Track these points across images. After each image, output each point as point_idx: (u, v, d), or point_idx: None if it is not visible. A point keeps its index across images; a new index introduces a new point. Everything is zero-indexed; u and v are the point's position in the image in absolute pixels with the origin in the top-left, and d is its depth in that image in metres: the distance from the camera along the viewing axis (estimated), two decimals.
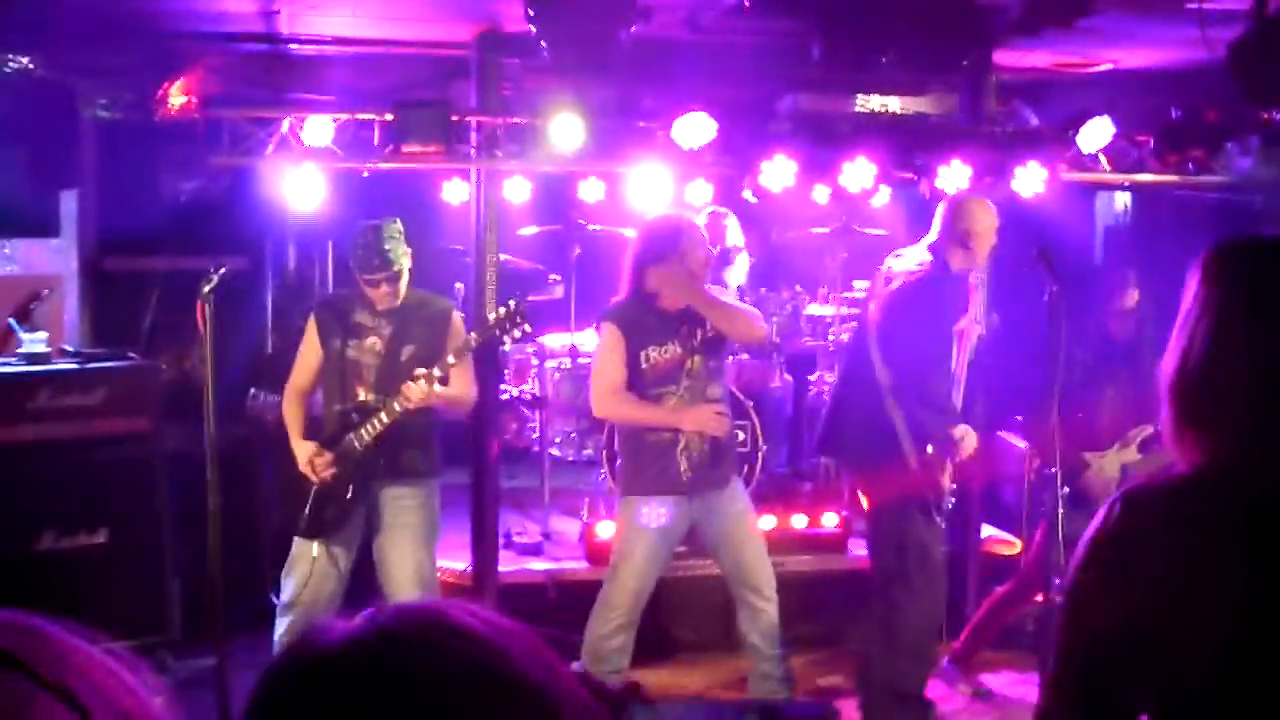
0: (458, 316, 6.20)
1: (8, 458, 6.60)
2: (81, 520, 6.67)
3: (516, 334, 5.90)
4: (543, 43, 5.63)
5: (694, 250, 5.98)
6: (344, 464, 5.90)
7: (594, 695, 1.24)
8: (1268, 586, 2.02)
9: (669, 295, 5.98)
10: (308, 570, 5.92)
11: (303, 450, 5.96)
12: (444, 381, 5.79)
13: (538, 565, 7.59)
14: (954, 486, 6.39)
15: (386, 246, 5.91)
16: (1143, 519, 2.13)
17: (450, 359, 5.77)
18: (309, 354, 6.10)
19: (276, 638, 6.00)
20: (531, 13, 5.44)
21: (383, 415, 5.81)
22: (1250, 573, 2.03)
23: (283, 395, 6.19)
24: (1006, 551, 8.02)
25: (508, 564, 7.53)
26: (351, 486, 5.92)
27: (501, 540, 7.68)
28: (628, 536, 6.08)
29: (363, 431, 5.85)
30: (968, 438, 6.24)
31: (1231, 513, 2.08)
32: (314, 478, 5.91)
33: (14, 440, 6.62)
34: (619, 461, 6.31)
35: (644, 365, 5.96)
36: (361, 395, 5.95)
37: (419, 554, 6.07)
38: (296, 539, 6.01)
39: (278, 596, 6.08)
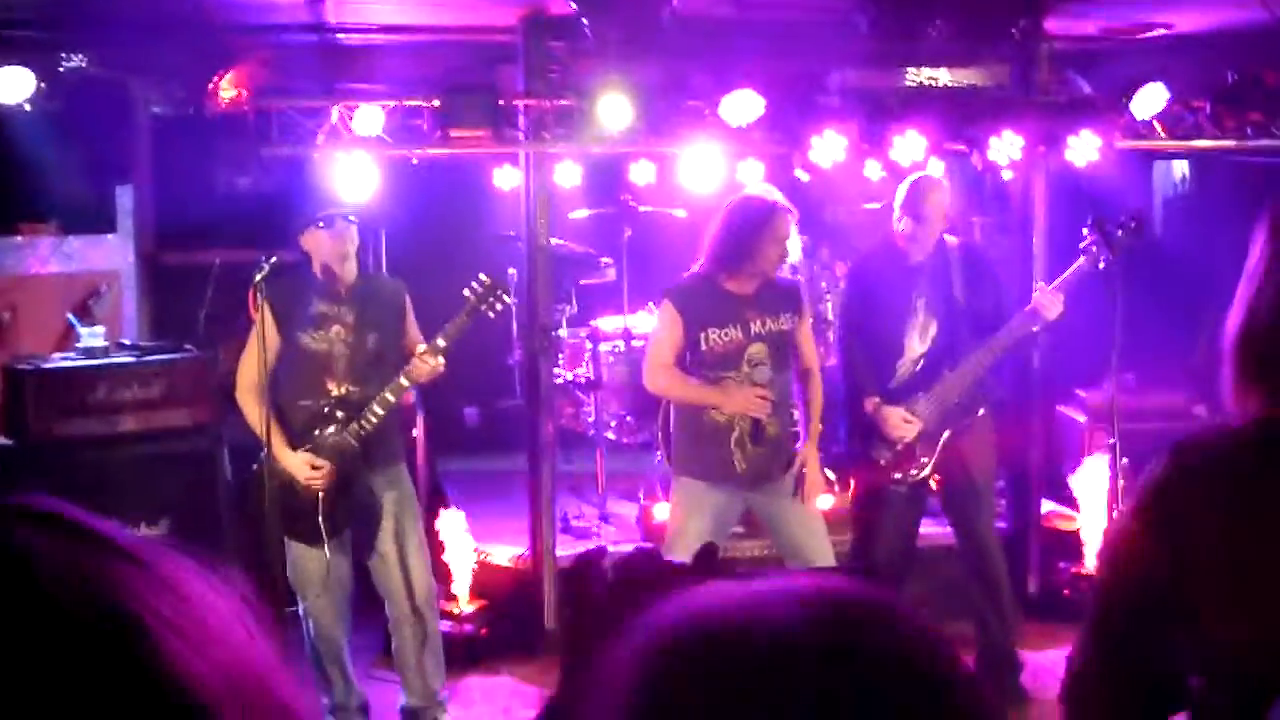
0: (407, 294, 6.15)
1: (67, 451, 6.67)
2: (142, 512, 6.72)
3: (499, 306, 5.86)
4: (585, 23, 5.62)
5: (776, 243, 5.93)
6: (340, 462, 5.84)
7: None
8: None
9: (738, 284, 5.94)
10: (323, 572, 5.92)
11: (296, 460, 5.81)
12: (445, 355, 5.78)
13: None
14: (924, 461, 6.33)
15: (339, 200, 6.01)
16: (1191, 469, 2.09)
17: (441, 341, 5.74)
18: (264, 345, 5.76)
19: (316, 645, 6.06)
20: None
21: (377, 407, 5.76)
22: None
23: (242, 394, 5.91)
24: (1067, 527, 7.94)
25: (565, 548, 7.53)
26: (351, 483, 5.89)
27: (559, 524, 7.69)
28: (682, 516, 6.07)
29: (358, 425, 5.79)
30: (881, 413, 6.25)
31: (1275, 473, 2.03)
32: (315, 485, 5.83)
33: (75, 434, 6.68)
34: (674, 441, 6.29)
35: (703, 347, 5.92)
36: (333, 389, 5.86)
37: (418, 534, 6.14)
38: (298, 545, 5.93)
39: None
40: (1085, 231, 6.30)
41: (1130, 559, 2.15)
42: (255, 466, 5.92)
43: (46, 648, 0.80)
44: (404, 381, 5.78)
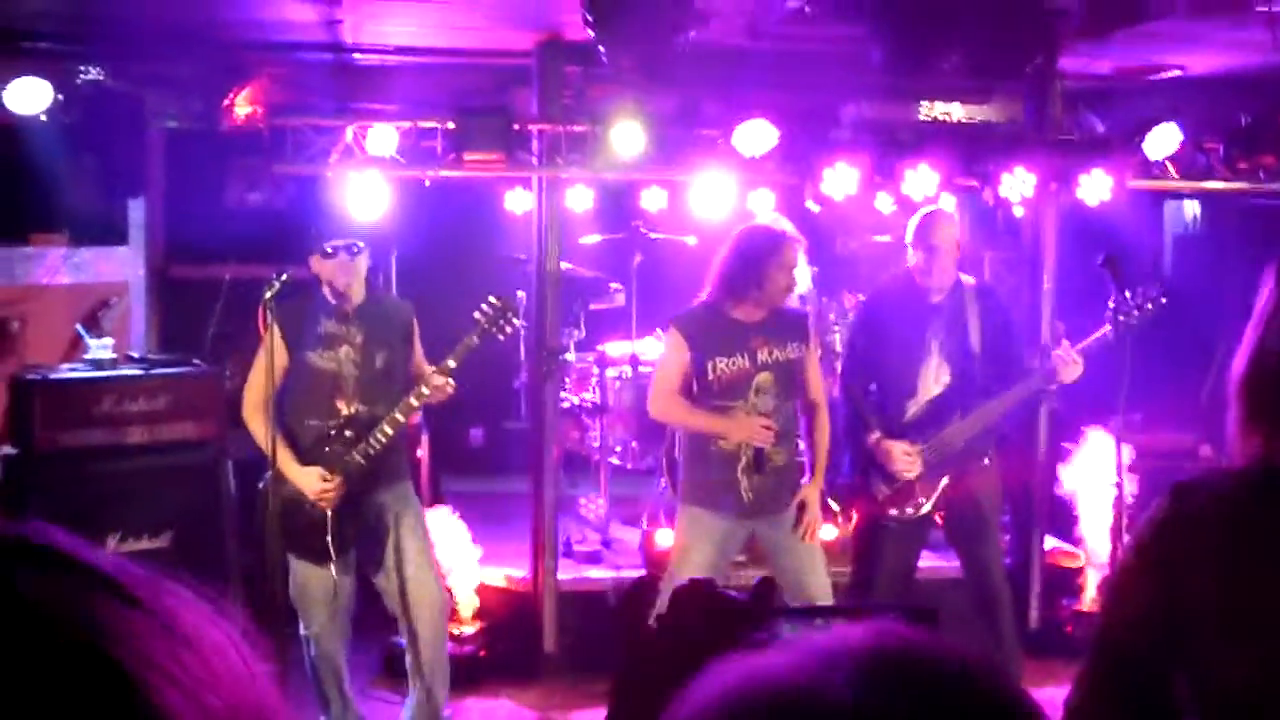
0: (414, 315, 6.17)
1: (73, 462, 6.67)
2: (146, 524, 6.72)
3: (508, 329, 5.88)
4: (601, 49, 5.64)
5: (784, 272, 5.94)
6: (348, 481, 5.85)
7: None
8: None
9: (745, 313, 5.95)
10: (329, 592, 5.93)
11: (309, 476, 5.82)
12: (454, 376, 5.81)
13: (597, 573, 7.59)
14: (922, 501, 6.32)
15: (342, 220, 6.03)
16: (1190, 511, 2.09)
17: (451, 362, 5.76)
18: (271, 365, 5.78)
19: (316, 664, 6.06)
20: (590, 19, 5.44)
21: (386, 427, 5.78)
22: None
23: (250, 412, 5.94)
24: (1070, 564, 7.93)
25: (567, 572, 7.53)
26: (359, 501, 5.90)
27: (561, 548, 7.69)
28: (686, 544, 6.06)
29: (367, 445, 5.80)
30: (883, 448, 6.25)
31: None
32: (323, 503, 5.84)
33: (79, 445, 6.68)
34: (680, 469, 6.28)
35: (710, 376, 5.91)
36: (342, 408, 5.87)
37: (429, 552, 6.16)
38: (303, 564, 5.94)
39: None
40: (1103, 269, 6.28)
41: (1129, 599, 2.15)
42: (261, 485, 5.92)
43: (35, 705, 0.79)
44: (414, 402, 5.79)
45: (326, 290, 5.91)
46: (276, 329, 5.80)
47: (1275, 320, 2.13)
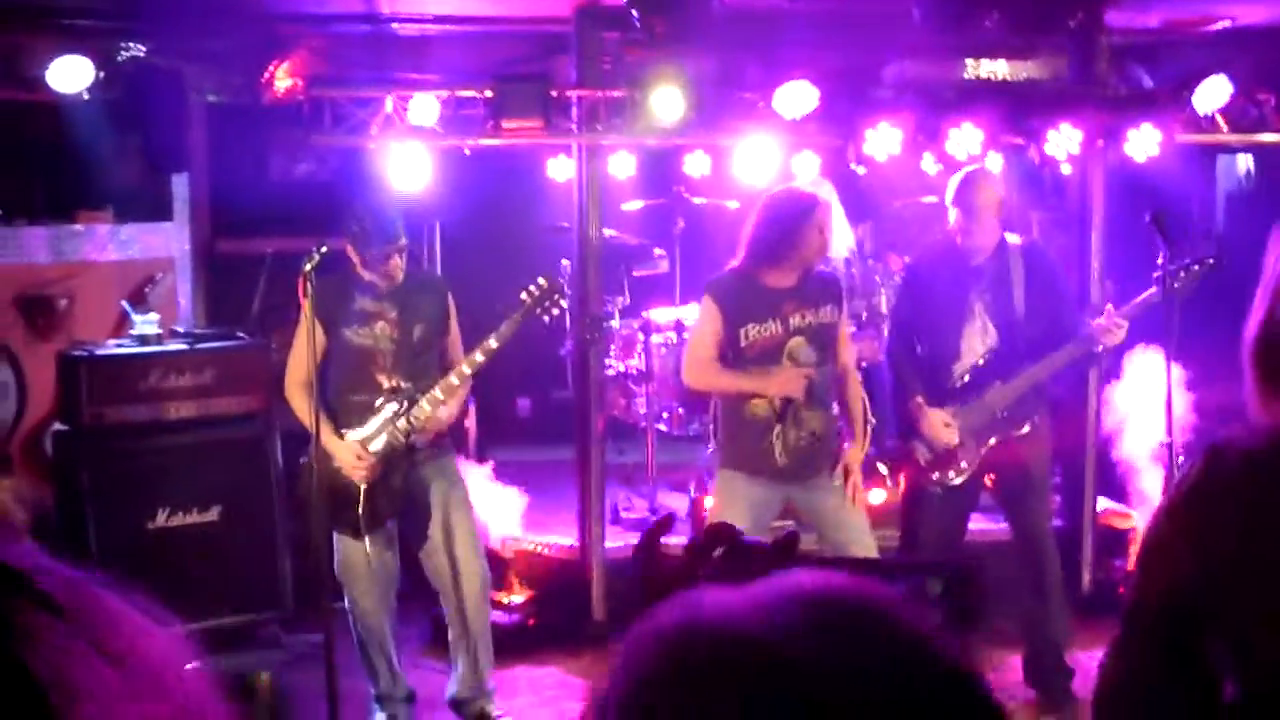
0: (450, 292, 6.15)
1: (121, 437, 6.74)
2: (194, 498, 6.78)
3: (555, 311, 5.88)
4: (634, 14, 5.60)
5: (817, 235, 5.91)
6: (389, 456, 5.86)
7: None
8: None
9: (778, 278, 5.91)
10: (368, 566, 5.95)
11: (345, 450, 5.84)
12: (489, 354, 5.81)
13: None
14: (964, 467, 6.25)
15: (393, 215, 5.91)
16: (1225, 472, 2.04)
17: (492, 342, 5.76)
18: (312, 342, 5.80)
19: (362, 635, 6.09)
20: None
21: (425, 404, 5.79)
22: None
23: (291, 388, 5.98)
24: (1122, 524, 7.85)
25: (615, 539, 7.52)
26: (392, 475, 5.90)
27: (609, 515, 7.68)
28: (720, 506, 6.07)
29: (411, 418, 5.81)
30: (923, 414, 6.20)
31: None
32: (358, 476, 5.85)
33: (127, 420, 6.75)
34: (719, 433, 6.29)
35: (743, 343, 5.89)
36: (383, 381, 5.87)
37: (470, 524, 6.15)
38: (344, 538, 5.96)
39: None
40: (1151, 227, 6.18)
41: (1162, 565, 2.10)
42: (303, 460, 5.94)
43: None
44: (454, 381, 5.80)
45: (362, 269, 5.90)
46: (311, 306, 5.79)
47: None
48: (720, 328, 5.91)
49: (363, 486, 5.85)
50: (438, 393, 5.80)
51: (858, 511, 6.10)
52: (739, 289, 5.94)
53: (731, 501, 6.00)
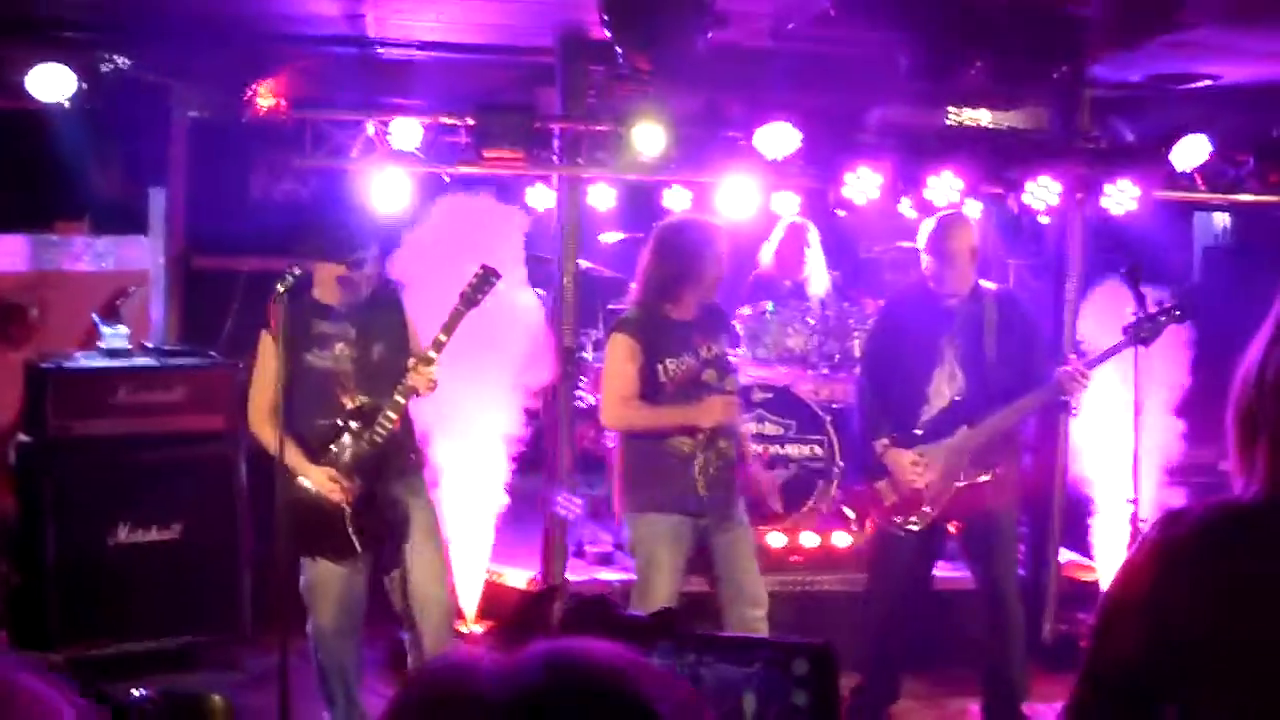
0: (402, 301, 6.08)
1: (86, 451, 6.70)
2: (156, 515, 6.74)
3: (490, 295, 5.79)
4: (619, 48, 5.60)
5: (716, 266, 5.91)
6: (362, 473, 5.80)
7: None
8: None
9: (680, 311, 5.92)
10: (341, 591, 5.87)
11: (319, 474, 5.76)
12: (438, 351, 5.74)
13: (608, 575, 7.54)
14: (927, 511, 6.25)
15: (360, 224, 5.90)
16: (1183, 538, 2.03)
17: (441, 336, 5.70)
18: (277, 370, 5.68)
19: (323, 662, 5.98)
20: (607, 19, 5.40)
21: (390, 412, 5.72)
22: (1265, 621, 1.92)
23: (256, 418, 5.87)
24: (1086, 577, 7.84)
25: (578, 573, 7.48)
26: (375, 496, 5.85)
27: (572, 549, 7.64)
28: (652, 549, 5.96)
29: (374, 435, 5.75)
30: (890, 455, 6.19)
31: (1260, 551, 1.97)
32: (338, 497, 5.77)
33: (92, 434, 6.72)
34: (628, 480, 6.12)
35: (662, 378, 5.87)
36: (347, 402, 5.81)
37: (441, 550, 6.10)
38: (320, 562, 5.84)
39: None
40: (1122, 281, 6.21)
41: (1117, 630, 2.09)
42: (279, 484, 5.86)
43: None
44: (410, 382, 5.74)
45: (322, 292, 5.85)
46: (274, 335, 5.73)
47: (1272, 344, 2.06)
48: (641, 363, 5.88)
49: (346, 508, 5.80)
50: (398, 397, 5.74)
51: (751, 551, 6.14)
52: (651, 324, 5.92)
53: (660, 544, 5.93)
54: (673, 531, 5.92)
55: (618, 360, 5.95)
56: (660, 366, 5.86)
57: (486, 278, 5.76)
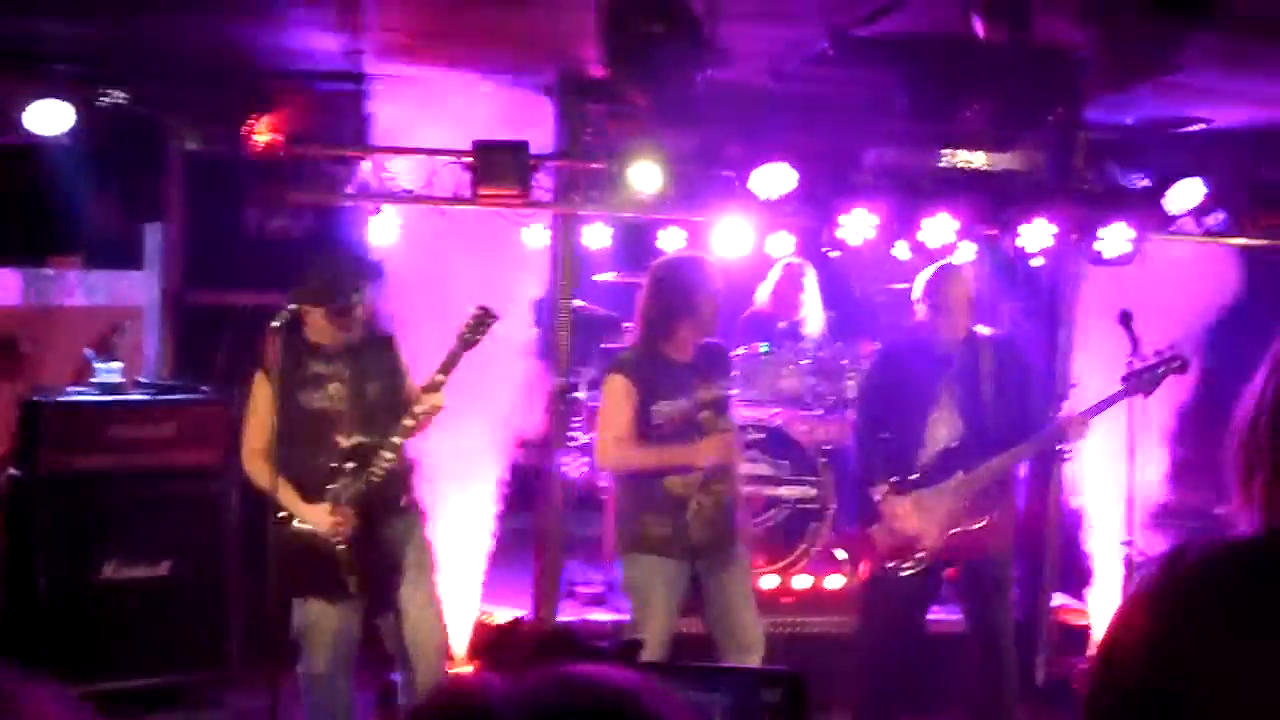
0: (397, 345, 6.09)
1: (77, 486, 6.67)
2: (145, 551, 6.70)
3: (487, 336, 5.78)
4: (617, 87, 5.61)
5: (711, 303, 5.90)
6: (360, 513, 5.76)
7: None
8: None
9: (678, 350, 5.90)
10: (335, 632, 5.82)
11: (317, 513, 5.72)
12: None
13: (599, 616, 7.49)
14: (921, 556, 6.23)
15: (354, 267, 5.89)
16: (1186, 575, 2.01)
17: (439, 376, 5.68)
18: (267, 412, 5.71)
19: (315, 703, 5.90)
20: (607, 55, 5.41)
21: (387, 452, 5.70)
22: (1269, 661, 1.90)
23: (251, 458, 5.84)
24: (1079, 621, 7.82)
25: (569, 614, 7.44)
26: (372, 536, 5.81)
27: (564, 588, 7.60)
28: (646, 591, 5.96)
29: (370, 475, 5.72)
30: (887, 501, 6.16)
31: (1263, 591, 1.95)
32: (338, 538, 5.73)
33: (84, 468, 6.69)
34: (623, 520, 6.13)
35: (657, 420, 5.86)
36: (342, 441, 5.78)
37: (434, 590, 6.08)
38: (314, 603, 5.80)
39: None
40: (1123, 329, 6.22)
41: (1118, 667, 2.07)
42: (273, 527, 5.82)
43: None
44: (409, 422, 5.71)
45: (314, 332, 5.83)
46: (264, 376, 5.73)
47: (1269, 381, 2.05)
48: (636, 404, 5.86)
49: (343, 548, 5.75)
50: (395, 438, 5.72)
51: (752, 593, 6.14)
52: (647, 365, 5.92)
53: (654, 584, 5.92)
54: (666, 573, 5.89)
55: (613, 401, 5.94)
56: (655, 409, 5.85)
57: (484, 319, 5.75)
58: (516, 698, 1.12)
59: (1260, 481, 2.02)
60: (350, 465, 5.77)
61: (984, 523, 6.23)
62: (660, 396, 5.85)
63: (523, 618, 7.10)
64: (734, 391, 6.35)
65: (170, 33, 6.83)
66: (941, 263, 6.52)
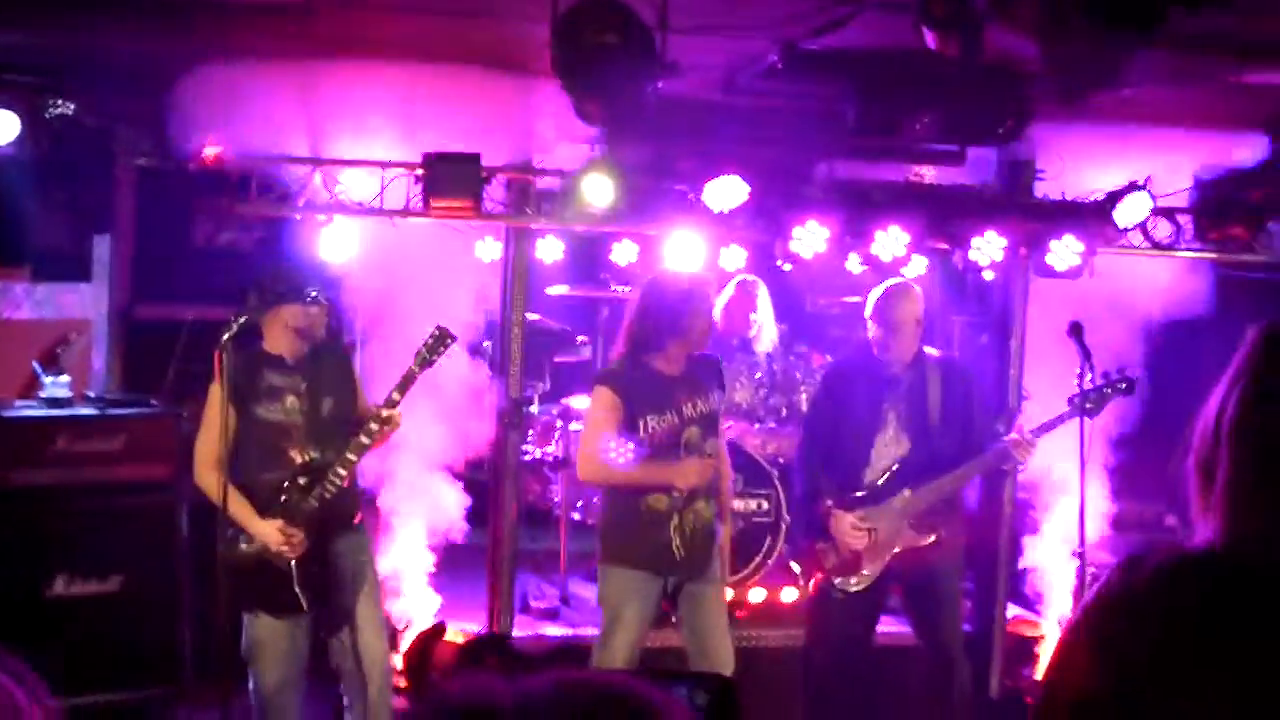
0: (352, 358, 6.09)
1: (26, 501, 6.58)
2: (95, 567, 6.62)
3: (445, 356, 5.79)
4: (569, 98, 5.61)
5: (702, 319, 5.90)
6: (310, 529, 5.72)
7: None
8: (1243, 686, 1.90)
9: (667, 364, 5.89)
10: (285, 648, 5.79)
11: (268, 529, 5.66)
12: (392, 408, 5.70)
13: (554, 630, 7.47)
14: (866, 574, 6.27)
15: (312, 270, 5.94)
16: (1140, 584, 2.02)
17: (396, 395, 5.66)
18: (221, 422, 5.61)
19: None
20: (559, 67, 5.40)
21: (340, 469, 5.67)
22: (1225, 668, 1.91)
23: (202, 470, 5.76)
24: (1031, 633, 7.86)
25: (524, 628, 7.40)
26: (323, 552, 5.77)
27: (518, 603, 7.57)
28: (618, 605, 5.94)
29: (323, 489, 5.68)
30: (833, 517, 6.23)
31: (1220, 598, 1.96)
32: (290, 554, 5.68)
33: (32, 483, 6.60)
34: (606, 532, 6.12)
35: (642, 434, 5.84)
36: (296, 456, 5.75)
37: (381, 612, 6.08)
38: (263, 619, 5.76)
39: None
40: (1072, 339, 6.26)
41: (1071, 675, 2.08)
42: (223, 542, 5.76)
43: None
44: (365, 440, 5.68)
45: (274, 342, 5.81)
46: (224, 385, 5.66)
47: (1227, 397, 2.07)
48: (621, 418, 5.85)
49: (293, 564, 5.70)
50: (350, 454, 5.69)
51: (725, 613, 6.14)
52: (634, 379, 5.91)
53: (628, 599, 5.91)
54: (642, 588, 5.89)
55: (598, 413, 5.94)
56: (641, 422, 5.84)
57: (442, 338, 5.73)
58: (519, 692, 1.19)
59: (1219, 492, 2.03)
60: (303, 480, 5.73)
61: (931, 540, 6.26)
62: (648, 410, 5.84)
63: (441, 623, 7.09)
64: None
65: (118, 42, 6.78)
66: (892, 281, 6.54)
